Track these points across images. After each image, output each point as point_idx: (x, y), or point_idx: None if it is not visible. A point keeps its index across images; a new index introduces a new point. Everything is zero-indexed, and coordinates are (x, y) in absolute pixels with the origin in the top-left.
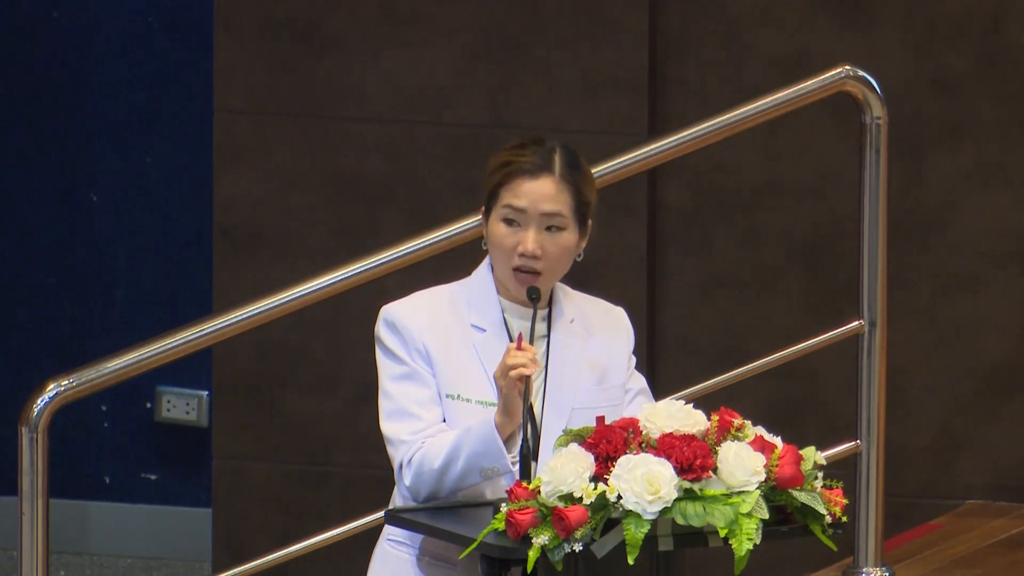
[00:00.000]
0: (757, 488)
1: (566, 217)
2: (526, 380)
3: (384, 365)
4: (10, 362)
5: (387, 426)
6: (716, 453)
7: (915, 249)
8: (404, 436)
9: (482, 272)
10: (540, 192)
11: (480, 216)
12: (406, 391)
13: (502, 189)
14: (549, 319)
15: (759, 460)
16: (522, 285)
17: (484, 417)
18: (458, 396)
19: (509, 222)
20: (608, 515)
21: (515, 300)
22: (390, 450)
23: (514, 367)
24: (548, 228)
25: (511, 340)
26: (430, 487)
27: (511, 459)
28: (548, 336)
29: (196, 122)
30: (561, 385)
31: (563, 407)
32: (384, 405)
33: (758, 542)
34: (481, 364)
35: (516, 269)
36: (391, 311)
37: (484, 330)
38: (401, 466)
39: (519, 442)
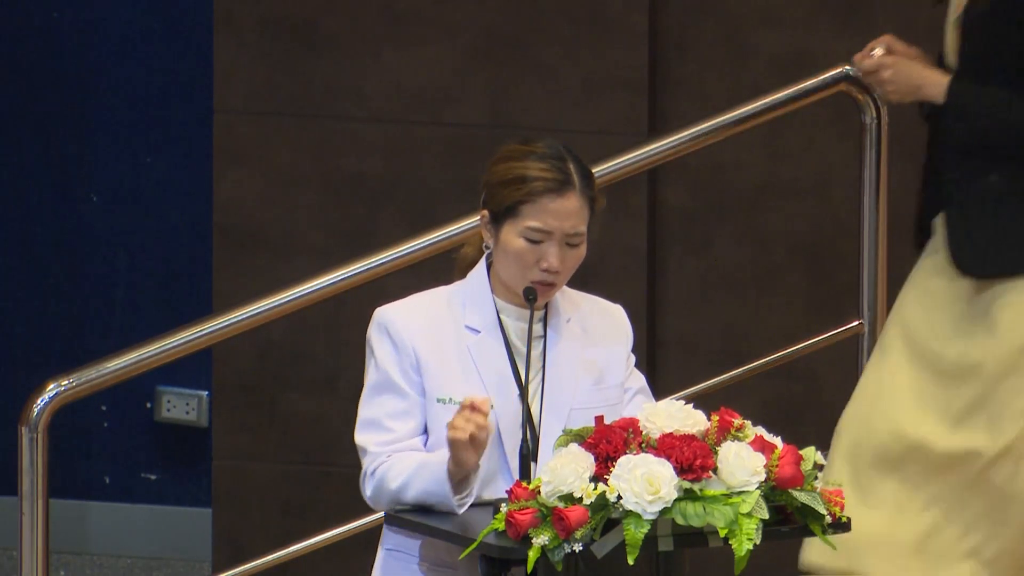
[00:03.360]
0: (757, 488)
1: (585, 233)
2: (523, 381)
3: (368, 371)
4: (10, 362)
5: (358, 436)
6: (716, 453)
7: (915, 249)
8: (371, 447)
9: (478, 273)
10: (565, 211)
11: (479, 219)
12: (382, 401)
13: (524, 207)
14: (545, 319)
15: (759, 460)
16: (539, 296)
17: (441, 457)
18: (449, 400)
19: (532, 241)
20: (608, 515)
21: (511, 301)
22: (361, 458)
23: (457, 427)
24: (569, 244)
25: (506, 341)
26: (387, 504)
27: (458, 500)
28: (544, 337)
29: (196, 122)
30: (558, 386)
31: (561, 408)
32: (359, 413)
33: (758, 542)
34: (475, 366)
35: (535, 282)
36: (384, 314)
37: (478, 331)
38: (365, 476)
39: (472, 484)
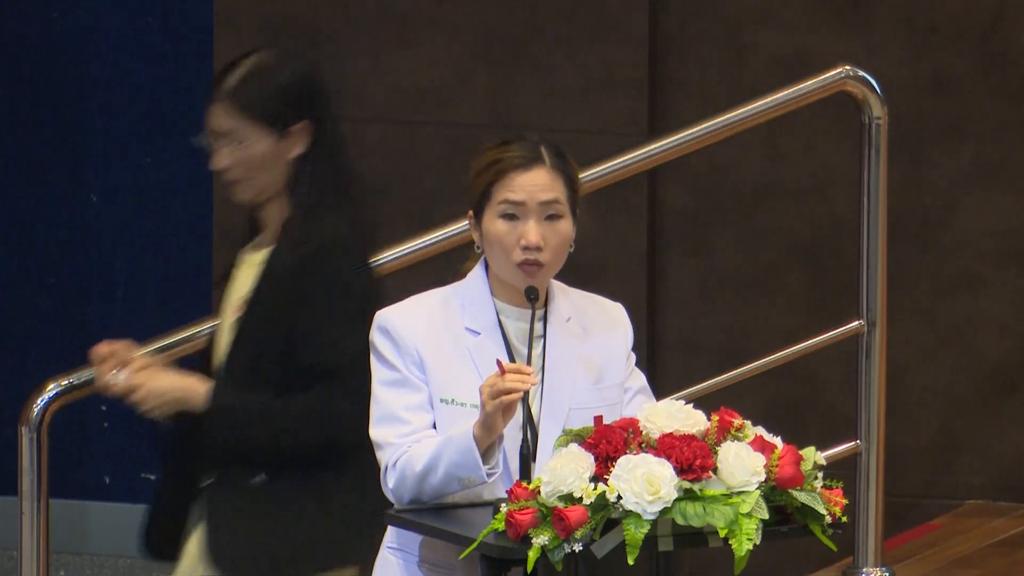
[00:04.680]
0: (757, 488)
1: (563, 204)
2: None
3: (377, 371)
4: (10, 362)
5: (375, 431)
6: (716, 453)
7: (915, 249)
8: (392, 439)
9: (477, 274)
10: (535, 182)
11: (469, 221)
12: (396, 396)
13: (495, 187)
14: (545, 318)
15: (759, 460)
16: (528, 278)
17: (464, 428)
18: (452, 400)
19: (508, 217)
20: (608, 515)
21: (510, 302)
22: (378, 454)
23: (508, 391)
24: (548, 217)
25: (506, 342)
26: (412, 492)
27: (487, 470)
28: (544, 336)
29: (196, 122)
30: (557, 385)
31: (560, 407)
32: (374, 411)
33: (758, 542)
34: (475, 367)
35: (520, 263)
36: (385, 317)
37: (478, 333)
38: (386, 468)
39: (498, 452)
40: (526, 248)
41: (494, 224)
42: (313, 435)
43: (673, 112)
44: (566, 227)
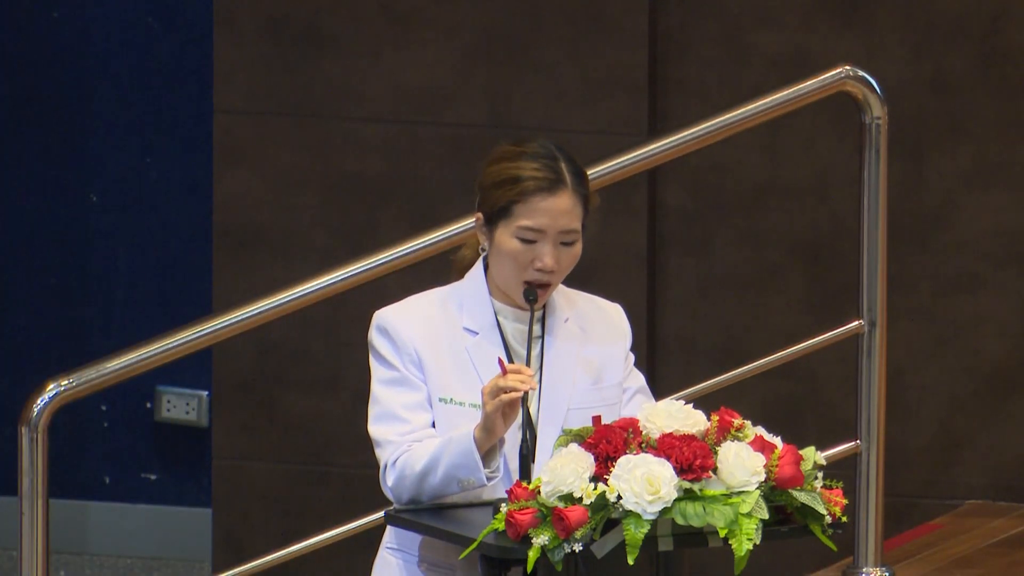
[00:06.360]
0: (757, 488)
1: (579, 231)
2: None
3: (375, 370)
4: (10, 362)
5: (374, 429)
6: (716, 453)
7: (915, 249)
8: (391, 437)
9: (475, 274)
10: (558, 209)
11: (476, 221)
12: (394, 395)
13: (516, 207)
14: (543, 320)
15: (759, 460)
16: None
17: (465, 430)
18: (450, 400)
19: (526, 240)
20: (608, 515)
21: (508, 302)
22: (377, 452)
23: (506, 390)
24: (563, 243)
25: (504, 343)
26: (411, 492)
27: (488, 473)
28: (542, 337)
29: (196, 122)
30: (556, 386)
31: (558, 408)
32: (372, 409)
33: (758, 542)
34: (474, 367)
35: (529, 281)
36: (383, 317)
37: (476, 333)
38: (386, 467)
39: (498, 456)
40: (539, 270)
41: (509, 241)
42: None
43: (673, 112)
44: (578, 249)
